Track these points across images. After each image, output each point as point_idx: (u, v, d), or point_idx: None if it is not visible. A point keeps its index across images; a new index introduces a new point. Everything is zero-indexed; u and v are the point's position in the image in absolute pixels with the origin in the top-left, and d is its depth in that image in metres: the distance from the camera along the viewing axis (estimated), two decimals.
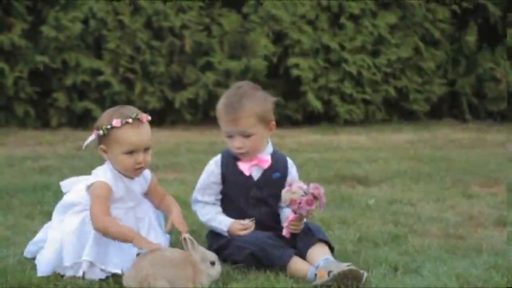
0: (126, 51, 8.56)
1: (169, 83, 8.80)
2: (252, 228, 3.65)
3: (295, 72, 8.96)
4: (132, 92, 8.62)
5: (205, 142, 7.50)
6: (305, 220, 3.62)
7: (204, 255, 3.36)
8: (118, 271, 3.39)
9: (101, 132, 3.50)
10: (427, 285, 3.32)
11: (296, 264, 3.51)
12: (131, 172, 3.57)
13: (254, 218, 3.67)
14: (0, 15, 8.37)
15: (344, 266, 3.32)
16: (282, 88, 9.09)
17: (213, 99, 8.16)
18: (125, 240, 3.39)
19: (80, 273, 3.39)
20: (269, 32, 8.95)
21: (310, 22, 9.04)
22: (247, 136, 3.68)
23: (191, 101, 8.80)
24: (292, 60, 8.97)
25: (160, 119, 8.70)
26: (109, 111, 3.59)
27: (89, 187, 3.53)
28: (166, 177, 5.63)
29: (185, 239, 3.36)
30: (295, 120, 9.19)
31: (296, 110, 9.19)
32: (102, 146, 3.55)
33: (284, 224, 3.62)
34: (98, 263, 3.40)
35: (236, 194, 3.75)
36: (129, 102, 8.33)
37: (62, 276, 3.43)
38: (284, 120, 9.09)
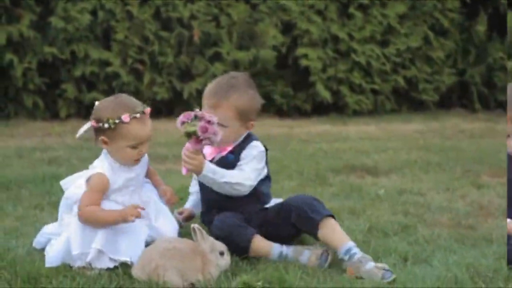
0: (134, 42, 8.55)
1: (178, 74, 8.79)
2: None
3: (304, 62, 8.94)
4: (141, 83, 8.62)
5: None
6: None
7: (213, 245, 3.35)
8: (127, 260, 3.39)
9: (106, 125, 3.49)
10: (437, 275, 3.31)
11: (259, 242, 3.54)
12: (132, 163, 3.59)
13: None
14: (8, 6, 8.37)
15: (376, 275, 3.29)
16: (291, 79, 9.07)
17: None
18: (113, 220, 3.42)
19: (87, 260, 3.40)
20: (277, 22, 8.92)
21: (319, 12, 9.02)
22: (221, 125, 3.61)
23: (199, 91, 8.78)
24: (301, 51, 8.95)
25: (168, 110, 8.69)
26: (111, 102, 3.55)
27: (87, 180, 3.54)
28: (176, 168, 5.62)
29: (194, 229, 3.36)
30: (304, 111, 9.17)
31: (305, 100, 9.17)
32: (103, 138, 3.53)
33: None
34: (107, 251, 3.41)
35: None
36: (138, 92, 8.33)
37: (71, 266, 3.43)
38: (293, 111, 9.08)
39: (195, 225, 3.37)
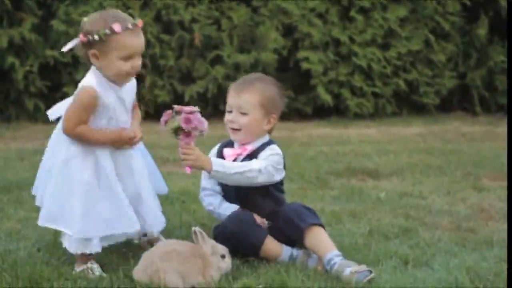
0: None
1: (179, 77, 8.80)
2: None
3: (305, 65, 8.94)
4: (142, 85, 8.62)
5: (215, 136, 7.43)
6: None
7: (214, 248, 3.36)
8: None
9: (96, 37, 3.36)
10: (437, 278, 3.31)
11: (271, 244, 3.55)
12: (124, 78, 3.47)
13: (270, 223, 3.65)
14: (10, 9, 8.38)
15: (351, 281, 3.29)
16: (292, 82, 9.07)
17: (222, 92, 8.14)
18: (109, 140, 3.38)
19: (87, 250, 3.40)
20: (278, 25, 8.93)
21: (320, 15, 9.02)
22: (243, 113, 3.67)
23: (200, 94, 8.79)
24: (302, 54, 8.95)
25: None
26: (100, 15, 3.44)
27: (74, 96, 3.43)
28: (177, 171, 5.63)
29: (195, 232, 3.36)
30: (305, 114, 9.18)
31: (306, 103, 9.17)
32: (94, 51, 3.40)
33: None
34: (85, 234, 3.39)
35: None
36: (139, 95, 8.32)
37: (72, 269, 3.44)
38: (294, 114, 9.08)
39: (196, 228, 3.37)
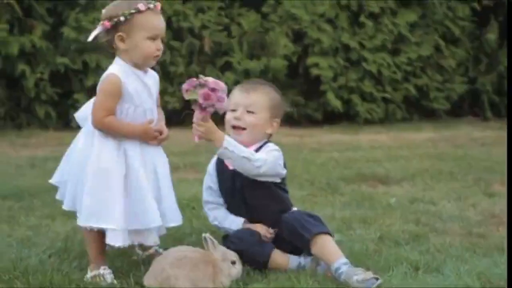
0: None
1: None
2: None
3: (314, 71, 8.94)
4: None
5: None
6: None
7: (224, 254, 3.36)
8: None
9: (121, 18, 3.41)
10: (448, 284, 3.30)
11: (278, 257, 3.53)
12: (150, 59, 3.49)
13: (276, 230, 3.64)
14: (21, 17, 8.42)
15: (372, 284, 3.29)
16: (302, 88, 9.08)
17: None
18: (135, 133, 3.40)
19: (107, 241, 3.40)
20: (288, 31, 8.94)
21: (330, 21, 9.03)
22: (250, 112, 3.65)
23: None
24: (311, 59, 8.96)
25: (179, 119, 8.70)
26: (118, 2, 3.49)
27: (99, 86, 3.45)
28: (187, 177, 5.64)
29: (205, 238, 3.36)
30: (315, 120, 9.18)
31: (316, 109, 9.17)
32: (120, 33, 3.44)
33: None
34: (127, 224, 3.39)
35: (225, 188, 3.71)
36: None
37: (83, 277, 3.44)
38: (304, 120, 9.08)
39: (206, 235, 3.38)
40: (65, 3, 8.55)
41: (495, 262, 3.61)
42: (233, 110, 3.69)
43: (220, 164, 3.73)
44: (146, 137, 3.48)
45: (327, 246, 3.49)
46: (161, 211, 3.49)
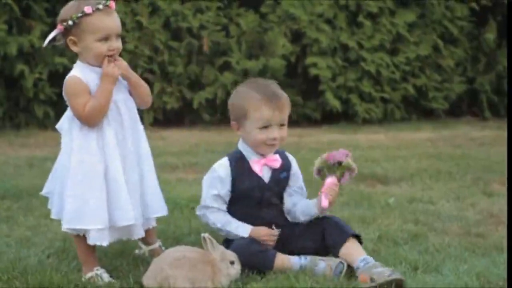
0: (144, 52, 8.58)
1: (188, 84, 8.81)
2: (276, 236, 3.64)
3: (313, 71, 8.94)
4: (151, 92, 8.63)
5: (223, 142, 7.50)
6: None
7: (223, 254, 3.36)
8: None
9: (70, 22, 3.43)
10: (447, 284, 3.30)
11: (281, 261, 3.53)
12: (103, 60, 3.47)
13: (280, 230, 3.64)
14: (19, 17, 8.42)
15: (386, 276, 3.30)
16: (301, 87, 9.08)
17: None
18: (108, 88, 3.40)
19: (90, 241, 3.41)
20: (287, 31, 8.94)
21: (328, 21, 9.03)
22: (282, 125, 3.61)
23: (209, 101, 8.81)
24: (310, 59, 8.96)
25: (178, 119, 8.71)
26: (73, 2, 3.51)
27: (63, 92, 3.49)
28: (186, 177, 5.64)
29: (204, 238, 3.36)
30: (313, 119, 9.18)
31: (314, 109, 9.18)
32: (71, 37, 3.46)
33: (321, 192, 3.55)
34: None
35: (247, 196, 3.62)
36: None
37: (82, 277, 3.44)
38: (302, 119, 9.08)
39: (206, 234, 3.38)
40: (64, 3, 8.53)
41: (494, 261, 3.61)
42: (264, 127, 3.58)
43: (241, 163, 3.64)
44: (108, 74, 3.43)
45: (358, 247, 3.56)
46: (145, 202, 3.50)
